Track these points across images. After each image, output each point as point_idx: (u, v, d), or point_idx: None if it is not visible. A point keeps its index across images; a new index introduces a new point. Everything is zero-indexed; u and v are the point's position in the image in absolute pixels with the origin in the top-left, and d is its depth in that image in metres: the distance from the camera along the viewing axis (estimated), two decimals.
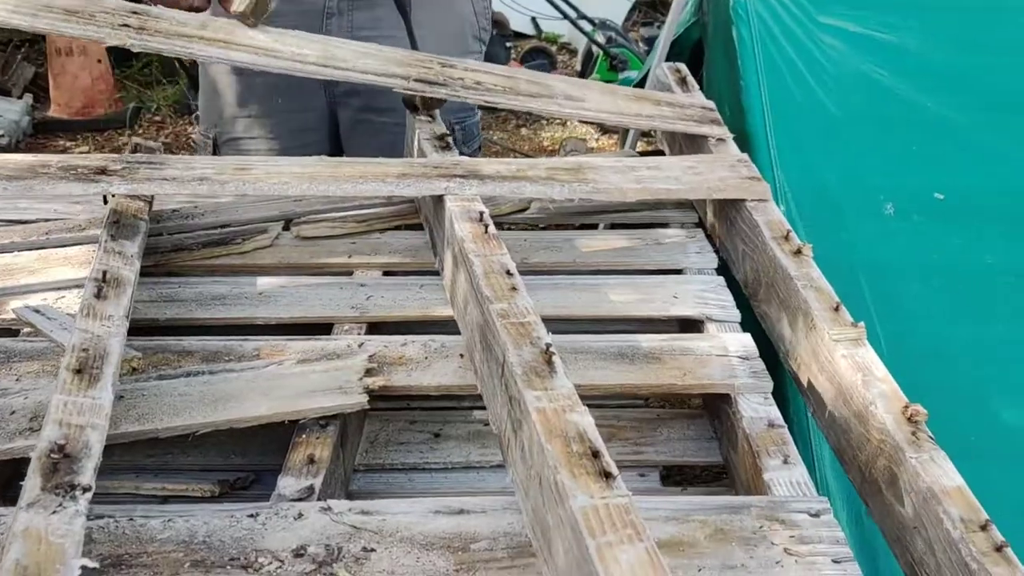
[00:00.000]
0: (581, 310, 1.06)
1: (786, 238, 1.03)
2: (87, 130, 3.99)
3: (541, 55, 4.13)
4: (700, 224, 1.26)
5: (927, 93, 1.32)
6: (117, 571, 0.67)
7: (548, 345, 0.75)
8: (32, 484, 0.64)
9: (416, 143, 1.19)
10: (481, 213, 0.98)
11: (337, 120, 1.50)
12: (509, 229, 1.24)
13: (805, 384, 0.93)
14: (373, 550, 0.70)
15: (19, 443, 0.78)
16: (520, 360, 0.73)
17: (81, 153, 3.79)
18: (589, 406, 1.02)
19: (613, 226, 1.33)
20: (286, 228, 1.21)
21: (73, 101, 3.99)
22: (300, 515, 0.73)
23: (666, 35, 1.75)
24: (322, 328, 1.03)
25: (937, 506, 0.71)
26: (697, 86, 1.40)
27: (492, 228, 0.95)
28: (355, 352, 0.93)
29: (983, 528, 0.68)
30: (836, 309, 0.91)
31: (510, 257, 0.90)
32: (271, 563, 0.69)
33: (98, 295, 0.87)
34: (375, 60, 1.18)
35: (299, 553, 0.69)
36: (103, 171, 1.00)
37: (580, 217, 1.30)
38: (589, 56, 3.75)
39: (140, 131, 4.07)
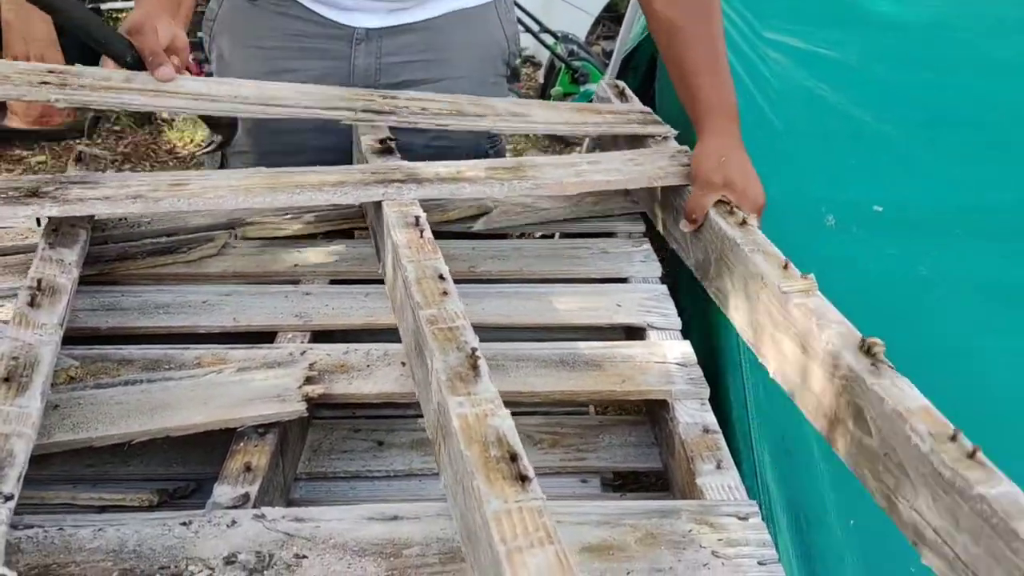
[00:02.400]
0: (526, 318, 1.07)
1: (731, 212, 1.03)
2: (45, 139, 3.94)
3: None
4: (646, 235, 1.28)
5: (867, 108, 1.35)
6: None
7: (474, 350, 0.75)
8: None
9: (359, 149, 1.20)
10: (417, 218, 0.98)
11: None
12: (457, 238, 1.24)
13: (764, 347, 0.92)
14: (305, 557, 0.70)
15: None
16: (445, 366, 0.73)
17: (37, 161, 3.74)
18: (535, 413, 1.05)
19: (565, 236, 1.35)
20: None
21: (31, 110, 3.93)
22: (233, 523, 0.73)
23: (617, 50, 1.78)
24: (266, 337, 1.03)
25: (903, 425, 0.68)
26: (635, 97, 1.42)
27: (428, 233, 0.95)
28: (296, 360, 0.93)
29: (952, 439, 0.66)
30: (785, 267, 0.91)
31: (443, 261, 0.90)
32: (201, 571, 0.69)
33: (32, 303, 0.86)
34: (317, 96, 1.18)
35: (230, 561, 0.69)
36: (35, 193, 0.98)
37: (532, 228, 1.32)
38: (552, 69, 3.77)
39: (99, 141, 4.03)
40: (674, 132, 1.26)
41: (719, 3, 1.18)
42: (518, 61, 1.55)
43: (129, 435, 0.82)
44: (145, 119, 4.13)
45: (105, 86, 1.10)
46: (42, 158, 3.85)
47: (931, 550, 0.66)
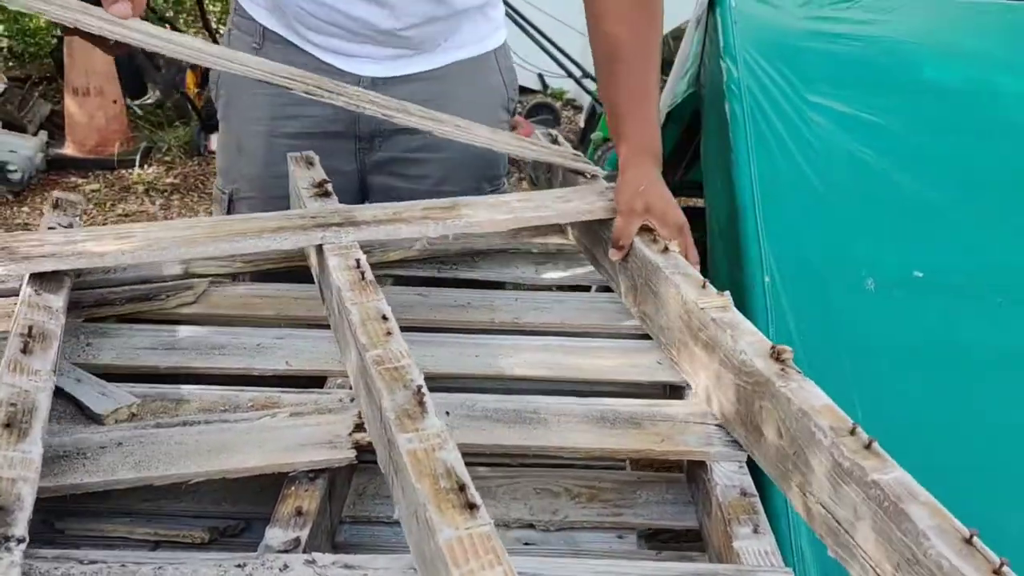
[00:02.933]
0: (568, 372, 1.10)
1: (654, 240, 1.10)
2: (99, 168, 4.08)
3: (546, 110, 4.23)
4: None
5: (908, 172, 1.37)
6: None
7: (420, 387, 0.77)
8: None
9: (295, 192, 1.23)
10: (358, 260, 1.01)
11: (366, 187, 1.51)
12: (496, 288, 1.28)
13: (687, 364, 0.98)
14: None
15: None
16: (393, 404, 0.76)
17: (91, 189, 3.87)
18: (573, 466, 1.07)
19: (602, 289, 1.38)
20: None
21: (87, 140, 4.08)
22: (285, 567, 0.76)
23: (662, 101, 1.82)
24: (316, 380, 1.07)
25: (808, 423, 0.73)
26: (568, 145, 1.50)
27: (369, 275, 0.99)
28: (346, 407, 0.97)
29: (851, 432, 0.71)
30: (703, 286, 0.97)
31: (386, 302, 0.93)
32: None
33: (24, 350, 0.88)
34: (268, 66, 1.23)
35: None
36: None
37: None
38: (592, 114, 3.83)
39: (150, 171, 4.15)
40: (603, 172, 1.33)
41: (658, 45, 1.23)
42: (516, 106, 1.61)
43: (187, 475, 0.85)
44: (194, 150, 4.26)
45: (62, 4, 1.13)
46: (96, 186, 3.98)
47: (836, 542, 0.70)
